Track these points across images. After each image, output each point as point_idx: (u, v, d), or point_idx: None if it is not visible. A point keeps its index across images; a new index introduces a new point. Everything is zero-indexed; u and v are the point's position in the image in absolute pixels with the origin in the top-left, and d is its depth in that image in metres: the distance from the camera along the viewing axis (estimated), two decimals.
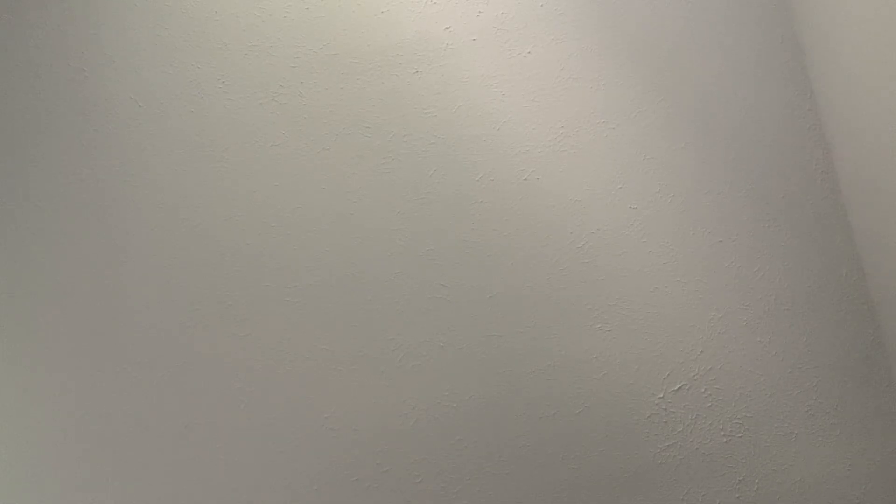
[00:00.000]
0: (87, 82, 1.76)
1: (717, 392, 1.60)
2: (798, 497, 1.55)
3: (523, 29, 1.73)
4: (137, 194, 1.71)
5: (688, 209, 1.66)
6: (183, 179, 1.71)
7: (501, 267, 1.65)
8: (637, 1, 1.72)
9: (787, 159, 1.66)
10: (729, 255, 1.64)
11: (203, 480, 1.60)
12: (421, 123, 1.71)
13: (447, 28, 1.74)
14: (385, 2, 1.75)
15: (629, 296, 1.63)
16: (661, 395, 1.60)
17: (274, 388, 1.63)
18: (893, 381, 1.58)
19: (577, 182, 1.67)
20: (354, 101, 1.72)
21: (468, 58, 1.72)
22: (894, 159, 1.42)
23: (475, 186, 1.68)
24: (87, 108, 1.75)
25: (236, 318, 1.65)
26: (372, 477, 1.60)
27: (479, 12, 1.74)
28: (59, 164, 1.73)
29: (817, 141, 1.66)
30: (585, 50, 1.71)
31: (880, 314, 1.58)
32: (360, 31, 1.74)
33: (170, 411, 1.62)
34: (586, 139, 1.69)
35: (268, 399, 1.62)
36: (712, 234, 1.65)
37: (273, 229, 1.69)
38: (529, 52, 1.72)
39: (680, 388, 1.60)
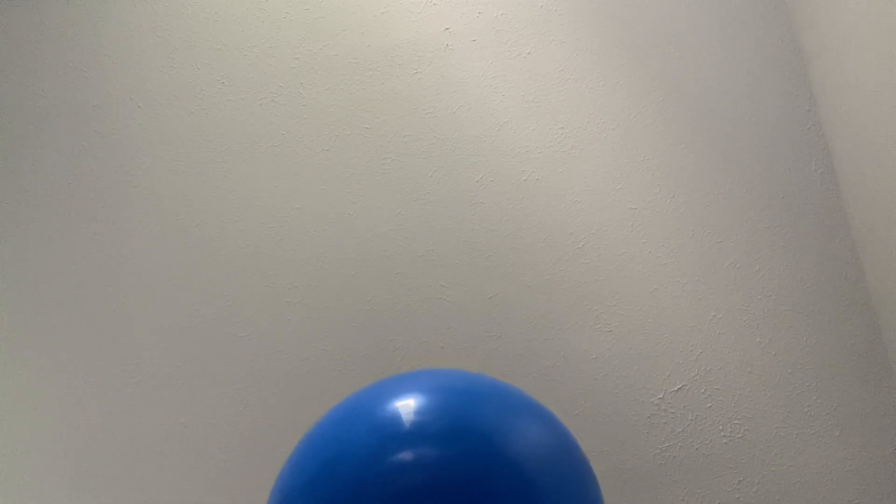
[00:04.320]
0: (87, 82, 1.76)
1: (717, 392, 1.60)
2: (798, 497, 1.55)
3: (523, 29, 1.73)
4: (137, 194, 1.71)
5: (688, 209, 1.66)
6: (183, 179, 1.71)
7: (501, 267, 1.65)
8: (637, 2, 1.72)
9: (787, 159, 1.66)
10: (729, 255, 1.64)
11: (202, 480, 1.60)
12: (421, 123, 1.71)
13: (447, 28, 1.74)
14: (385, 2, 1.75)
15: (629, 296, 1.63)
16: (661, 396, 1.60)
17: (274, 388, 1.62)
18: (893, 381, 1.58)
19: (577, 182, 1.67)
20: (354, 101, 1.72)
21: (468, 58, 1.73)
22: (894, 160, 1.42)
23: (475, 186, 1.68)
24: (87, 108, 1.75)
25: (236, 318, 1.65)
26: None
27: (479, 13, 1.74)
28: (59, 164, 1.73)
29: (817, 141, 1.66)
30: (585, 50, 1.71)
31: (880, 314, 1.58)
32: (360, 32, 1.74)
33: (169, 411, 1.62)
34: (586, 139, 1.69)
35: (268, 399, 1.62)
36: (712, 234, 1.64)
37: (273, 229, 1.68)
38: (529, 53, 1.72)
39: (680, 388, 1.60)
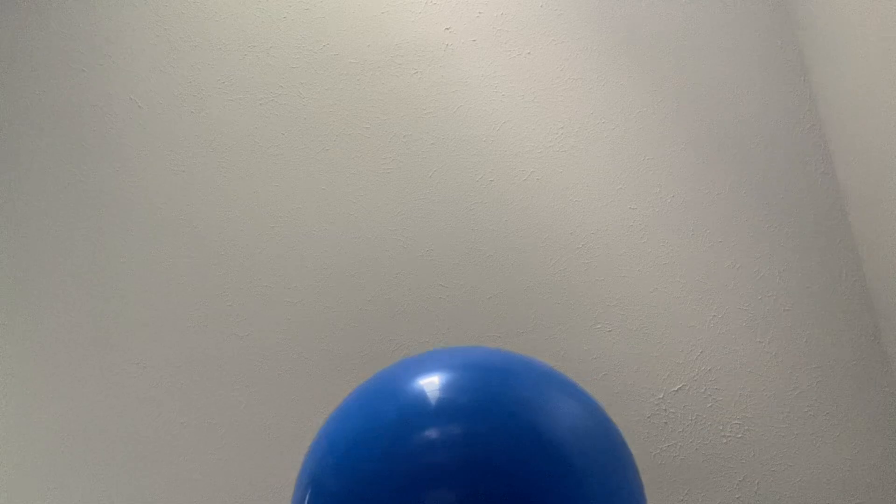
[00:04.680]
0: (87, 82, 1.76)
1: (717, 392, 1.60)
2: (798, 497, 1.55)
3: (523, 29, 1.73)
4: (137, 194, 1.71)
5: (688, 209, 1.66)
6: (183, 180, 1.71)
7: (501, 267, 1.65)
8: (637, 2, 1.72)
9: (787, 159, 1.66)
10: (729, 255, 1.64)
11: (201, 480, 1.60)
12: (421, 123, 1.71)
13: (447, 28, 1.74)
14: (385, 2, 1.75)
15: (629, 296, 1.63)
16: (661, 396, 1.60)
17: (274, 388, 1.62)
18: (893, 381, 1.58)
19: (577, 182, 1.67)
20: (354, 101, 1.72)
21: (468, 58, 1.73)
22: (894, 160, 1.42)
23: (475, 186, 1.68)
24: (87, 109, 1.75)
25: (236, 318, 1.65)
26: None
27: (479, 13, 1.74)
28: (58, 165, 1.73)
29: (817, 141, 1.66)
30: (585, 50, 1.71)
31: (880, 314, 1.58)
32: (360, 32, 1.74)
33: (169, 411, 1.62)
34: (586, 139, 1.69)
35: (268, 399, 1.62)
36: (712, 234, 1.64)
37: (273, 230, 1.68)
38: (529, 53, 1.72)
39: (680, 388, 1.60)
